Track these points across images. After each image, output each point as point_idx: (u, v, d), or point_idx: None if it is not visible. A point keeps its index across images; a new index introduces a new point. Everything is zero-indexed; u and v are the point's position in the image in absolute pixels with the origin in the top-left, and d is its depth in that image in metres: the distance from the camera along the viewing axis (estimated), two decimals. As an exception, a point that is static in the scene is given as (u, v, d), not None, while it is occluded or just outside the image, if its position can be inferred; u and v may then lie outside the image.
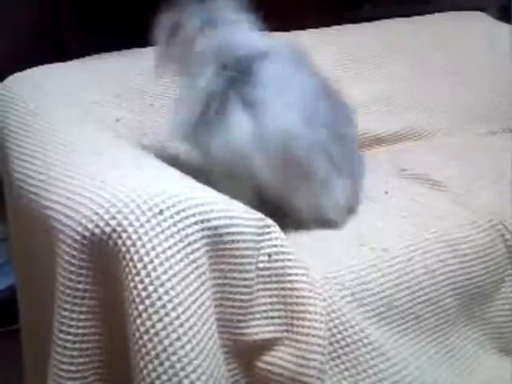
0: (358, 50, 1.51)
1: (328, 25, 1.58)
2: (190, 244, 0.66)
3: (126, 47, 1.34)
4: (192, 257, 0.66)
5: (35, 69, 1.17)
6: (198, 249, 0.66)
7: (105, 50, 1.32)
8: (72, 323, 0.69)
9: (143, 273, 0.63)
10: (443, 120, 1.46)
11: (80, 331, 0.69)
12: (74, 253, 0.69)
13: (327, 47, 1.46)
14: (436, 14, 1.69)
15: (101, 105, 1.12)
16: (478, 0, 2.01)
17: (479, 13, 1.73)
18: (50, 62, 1.22)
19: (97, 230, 0.67)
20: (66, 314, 0.69)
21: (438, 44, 1.58)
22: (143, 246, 0.64)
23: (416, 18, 1.68)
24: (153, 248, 0.64)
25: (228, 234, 0.69)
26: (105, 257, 0.68)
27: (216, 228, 0.68)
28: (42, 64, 1.19)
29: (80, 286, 0.69)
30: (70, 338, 0.69)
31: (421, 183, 1.12)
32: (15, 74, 1.15)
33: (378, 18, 1.70)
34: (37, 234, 0.84)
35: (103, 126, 1.07)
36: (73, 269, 0.69)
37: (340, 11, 2.16)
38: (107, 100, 1.14)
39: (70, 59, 1.26)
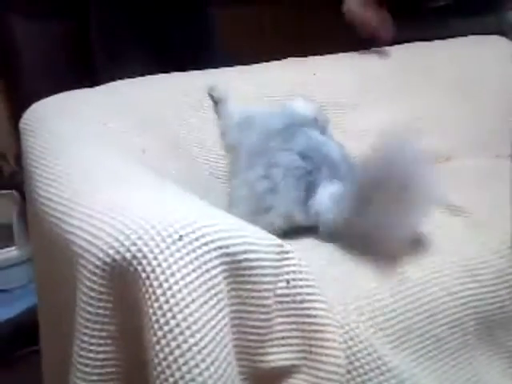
0: (377, 75, 1.53)
1: (346, 50, 1.61)
2: (208, 270, 0.67)
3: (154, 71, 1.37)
4: (210, 283, 0.67)
5: (62, 94, 1.20)
6: (216, 275, 0.67)
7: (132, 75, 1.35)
8: (92, 348, 0.70)
9: (162, 299, 0.64)
10: (461, 144, 1.46)
11: (100, 356, 0.70)
12: (95, 278, 0.70)
13: (346, 73, 1.47)
14: (456, 38, 1.69)
15: (126, 132, 1.14)
16: (498, 24, 2.01)
17: (498, 37, 1.72)
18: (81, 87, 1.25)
19: (118, 256, 0.68)
20: (85, 338, 0.71)
21: (456, 68, 1.59)
22: (163, 272, 0.65)
23: (435, 42, 1.70)
24: (172, 274, 0.65)
25: (246, 260, 0.70)
26: (125, 283, 0.69)
27: (234, 254, 0.69)
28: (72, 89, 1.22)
29: (100, 312, 0.70)
30: (89, 362, 0.70)
31: (440, 207, 1.11)
32: (43, 100, 1.18)
33: (397, 42, 1.71)
34: (59, 259, 0.85)
35: (127, 154, 1.09)
36: (93, 294, 0.70)
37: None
38: (132, 127, 1.16)
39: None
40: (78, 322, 0.72)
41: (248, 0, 2.11)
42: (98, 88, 1.26)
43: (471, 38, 1.72)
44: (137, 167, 0.99)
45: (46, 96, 1.19)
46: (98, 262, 0.70)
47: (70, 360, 0.72)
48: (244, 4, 2.13)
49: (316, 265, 0.88)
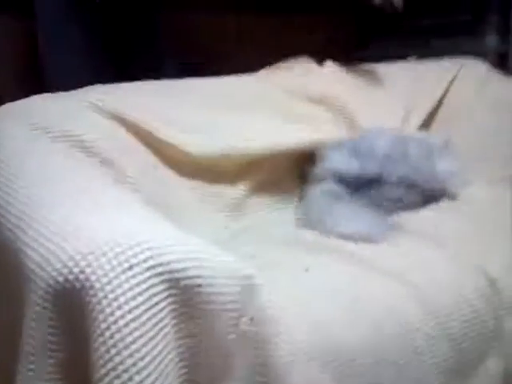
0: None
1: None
2: (157, 303, 0.64)
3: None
4: (159, 316, 0.64)
5: (19, 102, 1.16)
6: (163, 308, 0.64)
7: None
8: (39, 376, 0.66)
9: (107, 334, 0.60)
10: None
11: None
12: (46, 304, 0.67)
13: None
14: (433, 59, 1.70)
15: (87, 139, 1.10)
16: (479, 45, 2.02)
17: (476, 60, 1.73)
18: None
19: (66, 284, 0.65)
20: (31, 366, 0.67)
21: (428, 89, 1.61)
22: (109, 304, 0.61)
23: (406, 62, 1.76)
24: (119, 307, 0.62)
25: (200, 294, 0.67)
26: (73, 312, 0.65)
27: (186, 288, 0.66)
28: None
29: (49, 338, 0.67)
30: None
31: (418, 242, 1.09)
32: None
33: (379, 59, 1.72)
34: (10, 276, 0.82)
35: (88, 161, 1.06)
36: (41, 322, 0.67)
37: (347, 52, 2.20)
38: (93, 133, 1.12)
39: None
40: (24, 349, 0.68)
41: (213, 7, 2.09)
42: (58, 94, 1.21)
43: (448, 59, 1.74)
44: (99, 181, 0.95)
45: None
46: (47, 288, 0.67)
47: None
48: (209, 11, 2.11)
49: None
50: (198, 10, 1.88)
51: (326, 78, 1.52)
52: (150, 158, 1.20)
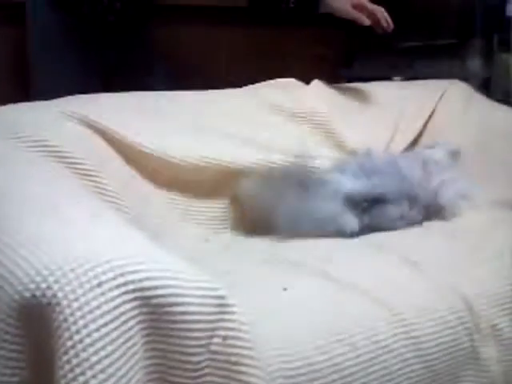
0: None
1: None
2: (125, 322, 0.62)
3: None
4: (127, 335, 0.62)
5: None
6: (132, 327, 0.62)
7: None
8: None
9: (72, 352, 0.59)
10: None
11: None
12: (10, 321, 0.65)
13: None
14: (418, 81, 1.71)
15: (63, 149, 1.09)
16: (463, 69, 2.04)
17: (460, 82, 1.74)
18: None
19: (33, 300, 0.63)
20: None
21: (415, 109, 1.63)
22: (75, 322, 0.60)
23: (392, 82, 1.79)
24: (85, 326, 0.60)
25: (171, 313, 0.65)
26: (39, 328, 0.63)
27: (156, 306, 0.64)
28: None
29: (13, 356, 0.65)
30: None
31: (396, 263, 1.07)
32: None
33: (364, 79, 1.73)
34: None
35: (64, 172, 1.04)
36: (7, 337, 0.65)
37: (332, 70, 2.22)
38: (70, 143, 1.11)
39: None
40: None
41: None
42: (29, 103, 1.20)
43: (430, 81, 1.75)
44: (74, 193, 0.93)
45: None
46: (12, 303, 0.65)
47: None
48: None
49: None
50: (189, 23, 1.89)
51: (312, 97, 1.52)
52: (127, 169, 1.19)
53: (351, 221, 1.23)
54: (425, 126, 1.64)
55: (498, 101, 1.70)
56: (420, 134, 1.63)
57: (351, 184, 1.28)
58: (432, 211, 1.33)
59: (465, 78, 1.79)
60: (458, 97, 1.68)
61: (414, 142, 1.63)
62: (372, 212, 1.25)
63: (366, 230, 1.24)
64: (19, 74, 1.67)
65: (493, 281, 1.02)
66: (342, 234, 1.22)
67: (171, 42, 1.87)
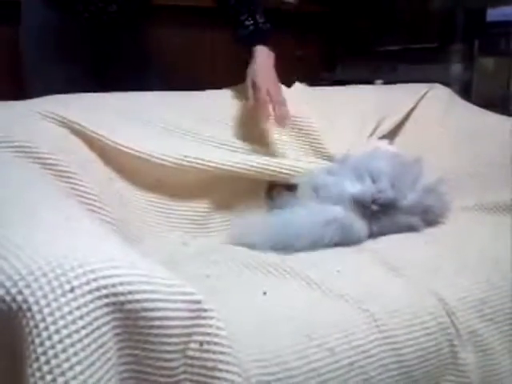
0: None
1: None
2: (98, 328, 0.61)
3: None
4: (100, 341, 0.61)
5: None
6: (105, 333, 0.61)
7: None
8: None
9: (42, 359, 0.57)
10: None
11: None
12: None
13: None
14: (397, 84, 1.72)
15: (41, 150, 1.07)
16: (444, 73, 2.06)
17: (441, 86, 1.75)
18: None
19: (3, 306, 0.61)
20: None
21: (394, 111, 1.63)
22: (46, 328, 0.58)
23: (373, 86, 1.78)
24: (56, 331, 0.58)
25: (146, 318, 0.64)
26: (10, 334, 0.62)
27: (131, 311, 0.63)
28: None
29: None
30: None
31: (377, 268, 1.06)
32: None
33: (346, 82, 1.73)
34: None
35: (41, 174, 1.02)
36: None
37: (315, 74, 2.22)
38: (48, 144, 1.09)
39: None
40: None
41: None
42: (10, 103, 1.18)
43: (412, 85, 1.75)
44: (49, 196, 0.91)
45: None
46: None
47: None
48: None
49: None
50: (173, 25, 1.88)
51: (293, 100, 1.51)
52: (106, 170, 1.17)
53: (360, 227, 1.19)
54: (405, 128, 1.63)
55: (479, 105, 1.71)
56: (398, 136, 1.62)
57: (358, 186, 1.23)
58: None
59: (446, 82, 1.80)
60: (439, 100, 1.68)
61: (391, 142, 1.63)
62: (381, 219, 1.20)
63: (372, 237, 1.20)
64: (13, 73, 1.65)
65: (474, 286, 1.02)
66: (347, 241, 1.17)
67: (161, 41, 1.86)
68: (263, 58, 1.39)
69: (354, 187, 1.23)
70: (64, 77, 1.49)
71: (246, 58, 1.41)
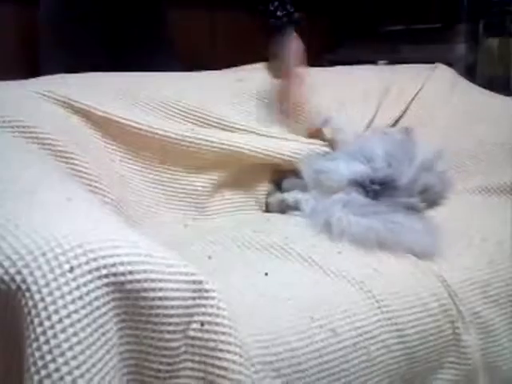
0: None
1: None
2: (98, 308, 0.60)
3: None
4: (100, 321, 0.60)
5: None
6: (106, 312, 0.60)
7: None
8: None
9: (42, 339, 0.57)
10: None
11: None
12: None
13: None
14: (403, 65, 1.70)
15: (40, 130, 1.05)
16: (448, 53, 2.03)
17: (444, 66, 1.73)
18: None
19: (1, 285, 0.61)
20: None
21: (399, 92, 1.61)
22: (45, 308, 0.57)
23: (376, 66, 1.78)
24: (55, 311, 0.58)
25: (146, 298, 0.63)
26: (8, 314, 0.61)
27: (131, 291, 0.62)
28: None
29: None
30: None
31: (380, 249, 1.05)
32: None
33: (349, 63, 1.71)
34: None
35: (40, 154, 1.01)
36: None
37: (318, 55, 2.20)
38: (46, 124, 1.07)
39: None
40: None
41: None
42: (9, 82, 1.16)
43: (416, 65, 1.73)
44: (48, 176, 0.90)
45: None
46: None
47: None
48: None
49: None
50: (171, 5, 1.85)
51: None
52: (107, 151, 1.16)
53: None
54: (409, 108, 1.62)
55: (483, 86, 1.69)
56: (402, 117, 1.60)
57: (354, 169, 1.23)
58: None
59: (450, 63, 1.78)
60: (443, 81, 1.67)
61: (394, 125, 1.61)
62: (382, 201, 1.19)
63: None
64: (29, 49, 1.63)
65: (476, 268, 1.01)
66: None
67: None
68: (298, 47, 1.46)
69: (350, 171, 1.23)
70: (79, 61, 1.48)
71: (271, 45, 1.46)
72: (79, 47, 1.52)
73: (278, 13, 1.46)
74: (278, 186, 1.39)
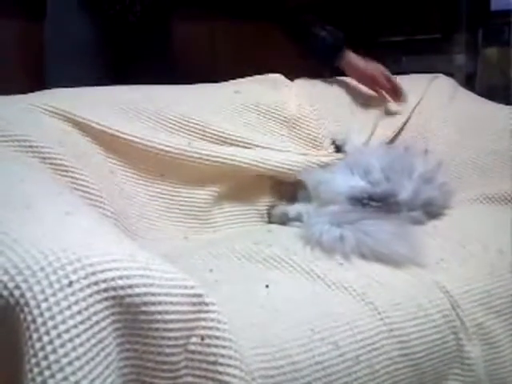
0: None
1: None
2: (97, 322, 0.60)
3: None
4: (99, 336, 0.60)
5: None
6: (105, 327, 0.60)
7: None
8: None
9: (40, 354, 0.56)
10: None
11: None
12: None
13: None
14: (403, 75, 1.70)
15: (39, 144, 1.06)
16: (448, 63, 2.04)
17: (445, 76, 1.73)
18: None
19: (0, 300, 0.60)
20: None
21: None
22: (44, 323, 0.57)
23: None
24: (54, 327, 0.57)
25: (146, 313, 0.63)
26: (7, 329, 0.61)
27: (130, 305, 0.62)
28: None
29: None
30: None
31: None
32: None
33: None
34: None
35: (39, 168, 1.02)
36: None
37: (317, 64, 2.20)
38: (46, 138, 1.08)
39: None
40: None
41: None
42: (8, 97, 1.17)
43: (416, 75, 1.73)
44: (47, 190, 0.90)
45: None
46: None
47: None
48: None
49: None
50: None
51: (296, 95, 1.49)
52: (107, 164, 1.16)
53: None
54: (409, 119, 1.62)
55: (483, 95, 1.70)
56: (403, 128, 1.60)
57: (351, 183, 1.22)
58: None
59: (449, 73, 1.78)
60: (443, 91, 1.67)
61: (395, 137, 1.61)
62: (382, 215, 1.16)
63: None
64: (35, 70, 1.64)
65: (478, 278, 1.01)
66: None
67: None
68: (357, 59, 1.56)
69: (348, 186, 1.22)
70: (84, 76, 1.48)
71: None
72: (83, 65, 1.53)
73: (322, 34, 1.52)
74: (281, 197, 1.38)
